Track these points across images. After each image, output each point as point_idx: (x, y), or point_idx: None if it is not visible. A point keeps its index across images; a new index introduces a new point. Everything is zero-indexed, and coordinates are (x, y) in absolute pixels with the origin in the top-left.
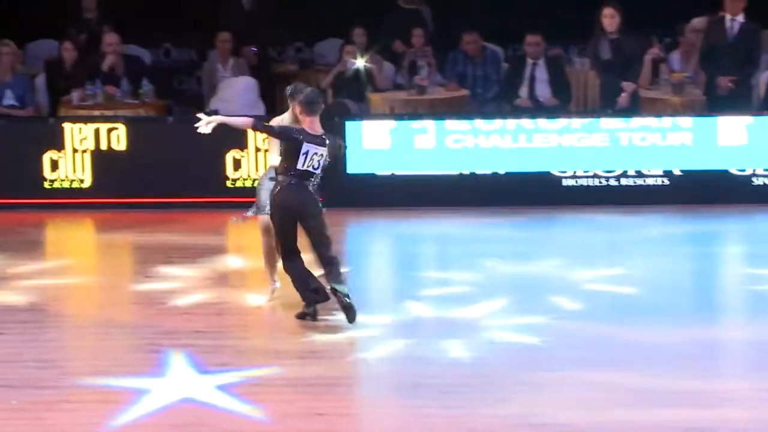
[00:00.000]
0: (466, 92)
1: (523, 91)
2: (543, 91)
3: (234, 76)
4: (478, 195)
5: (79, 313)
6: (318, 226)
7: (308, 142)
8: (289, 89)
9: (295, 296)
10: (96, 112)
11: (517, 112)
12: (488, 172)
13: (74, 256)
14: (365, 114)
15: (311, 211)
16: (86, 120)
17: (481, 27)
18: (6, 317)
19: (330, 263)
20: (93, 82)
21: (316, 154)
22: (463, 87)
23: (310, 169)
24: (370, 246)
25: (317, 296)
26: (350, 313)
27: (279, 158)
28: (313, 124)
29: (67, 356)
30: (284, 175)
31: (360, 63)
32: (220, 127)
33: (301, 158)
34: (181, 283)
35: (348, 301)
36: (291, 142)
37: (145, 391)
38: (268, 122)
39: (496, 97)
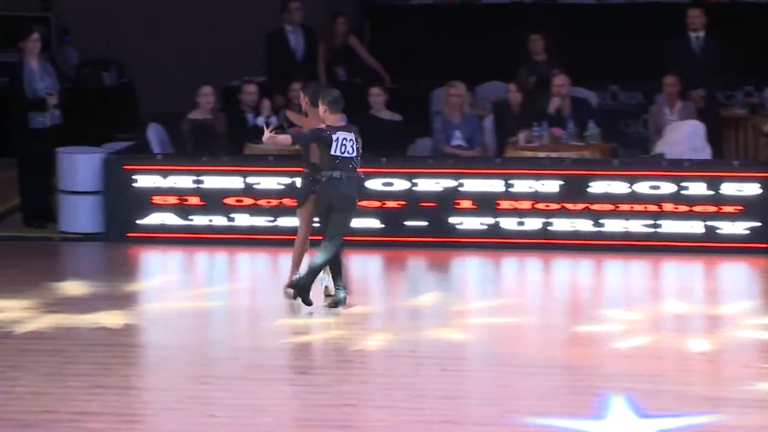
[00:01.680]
0: None
1: None
2: None
3: (680, 120)
4: None
5: (521, 352)
6: (338, 222)
7: (336, 132)
8: (311, 91)
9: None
10: (541, 154)
11: None
12: None
13: (516, 295)
14: None
15: (339, 207)
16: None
17: None
18: (449, 353)
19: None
20: (540, 123)
21: (345, 139)
22: None
23: (345, 154)
24: None
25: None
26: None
27: (315, 159)
28: (338, 121)
29: (508, 394)
30: (327, 170)
31: None
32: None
33: (334, 145)
34: (620, 325)
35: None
36: (322, 139)
37: None
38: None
39: None
